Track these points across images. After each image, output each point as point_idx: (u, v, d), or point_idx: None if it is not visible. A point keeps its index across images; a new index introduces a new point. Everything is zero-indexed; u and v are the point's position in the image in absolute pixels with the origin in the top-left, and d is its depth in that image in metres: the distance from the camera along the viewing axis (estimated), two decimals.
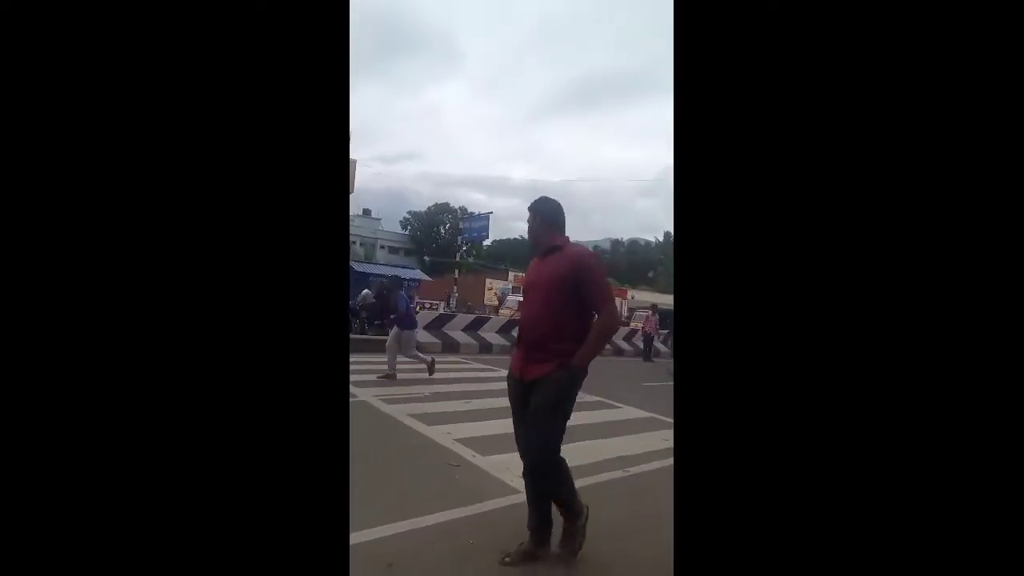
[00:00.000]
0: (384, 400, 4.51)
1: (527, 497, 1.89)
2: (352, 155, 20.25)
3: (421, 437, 3.49)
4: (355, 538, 1.92)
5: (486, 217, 16.51)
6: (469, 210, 35.01)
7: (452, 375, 6.35)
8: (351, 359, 6.20)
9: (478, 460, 3.03)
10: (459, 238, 19.14)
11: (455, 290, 17.58)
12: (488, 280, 27.66)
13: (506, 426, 3.99)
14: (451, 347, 9.29)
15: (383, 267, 25.50)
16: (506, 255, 39.46)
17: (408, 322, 6.04)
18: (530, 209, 2.04)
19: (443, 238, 39.33)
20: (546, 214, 2.01)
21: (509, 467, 2.89)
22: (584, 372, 1.83)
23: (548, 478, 1.83)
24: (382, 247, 37.29)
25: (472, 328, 10.21)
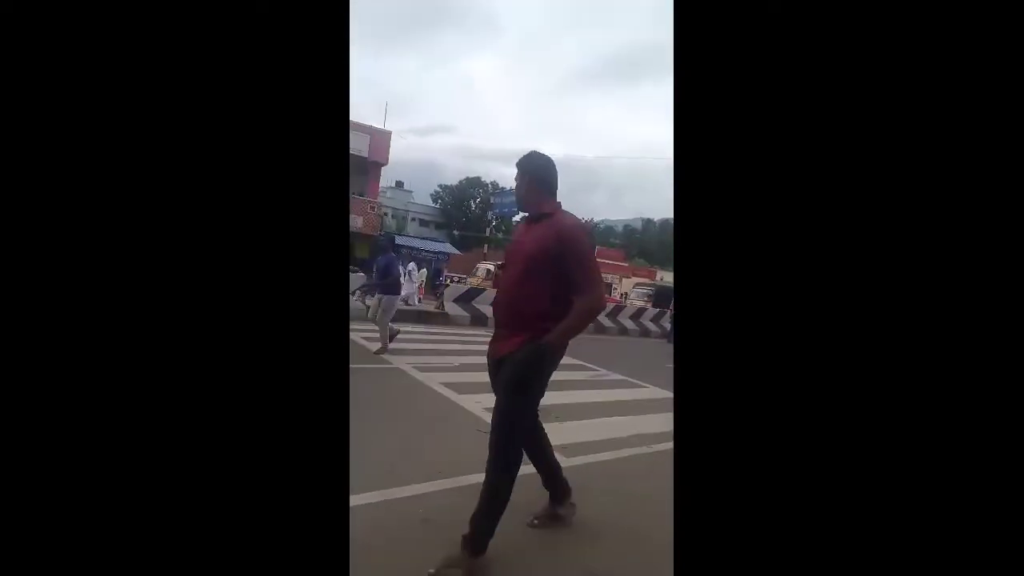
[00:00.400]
0: (417, 368, 4.70)
1: (484, 483, 1.68)
2: (387, 126, 20.21)
3: (453, 404, 3.66)
4: (391, 494, 2.08)
5: None
6: (500, 185, 34.88)
7: (481, 347, 6.49)
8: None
9: None
10: (489, 213, 19.12)
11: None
12: None
13: None
14: (479, 320, 9.45)
15: (413, 239, 25.90)
16: None
17: (391, 287, 5.43)
18: (518, 167, 1.75)
19: (473, 212, 39.38)
20: (535, 174, 1.72)
21: None
22: (556, 352, 1.62)
23: (508, 466, 1.65)
24: (413, 219, 37.61)
25: None
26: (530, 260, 1.64)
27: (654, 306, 15.06)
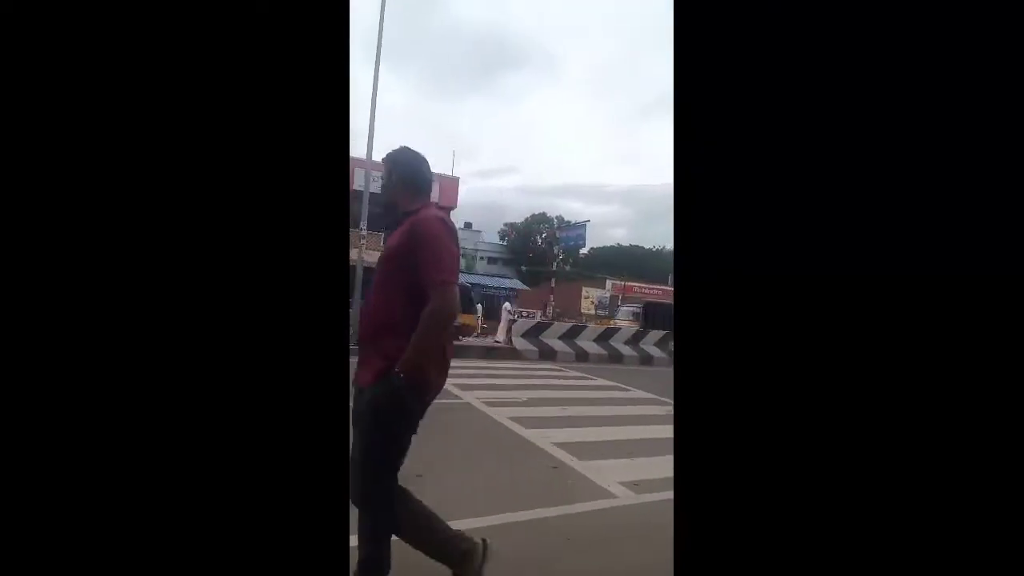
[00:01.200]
0: (486, 403, 4.79)
1: (359, 533, 1.46)
2: (454, 172, 21.34)
3: (520, 439, 3.68)
4: (462, 525, 2.14)
5: (583, 226, 16.59)
6: (566, 219, 35.28)
7: (550, 382, 6.51)
8: (460, 364, 6.56)
9: (575, 464, 3.14)
10: (556, 247, 19.34)
11: (552, 299, 17.74)
12: (584, 288, 27.53)
13: (601, 433, 4.05)
14: (548, 355, 9.45)
15: (483, 277, 26.68)
16: (602, 263, 39.08)
17: None
18: (384, 162, 1.57)
19: (539, 247, 39.97)
20: (404, 169, 1.53)
21: (604, 471, 2.99)
22: (415, 382, 1.35)
23: (383, 512, 1.44)
24: (482, 258, 38.77)
25: (569, 336, 10.29)
26: (385, 267, 1.45)
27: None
